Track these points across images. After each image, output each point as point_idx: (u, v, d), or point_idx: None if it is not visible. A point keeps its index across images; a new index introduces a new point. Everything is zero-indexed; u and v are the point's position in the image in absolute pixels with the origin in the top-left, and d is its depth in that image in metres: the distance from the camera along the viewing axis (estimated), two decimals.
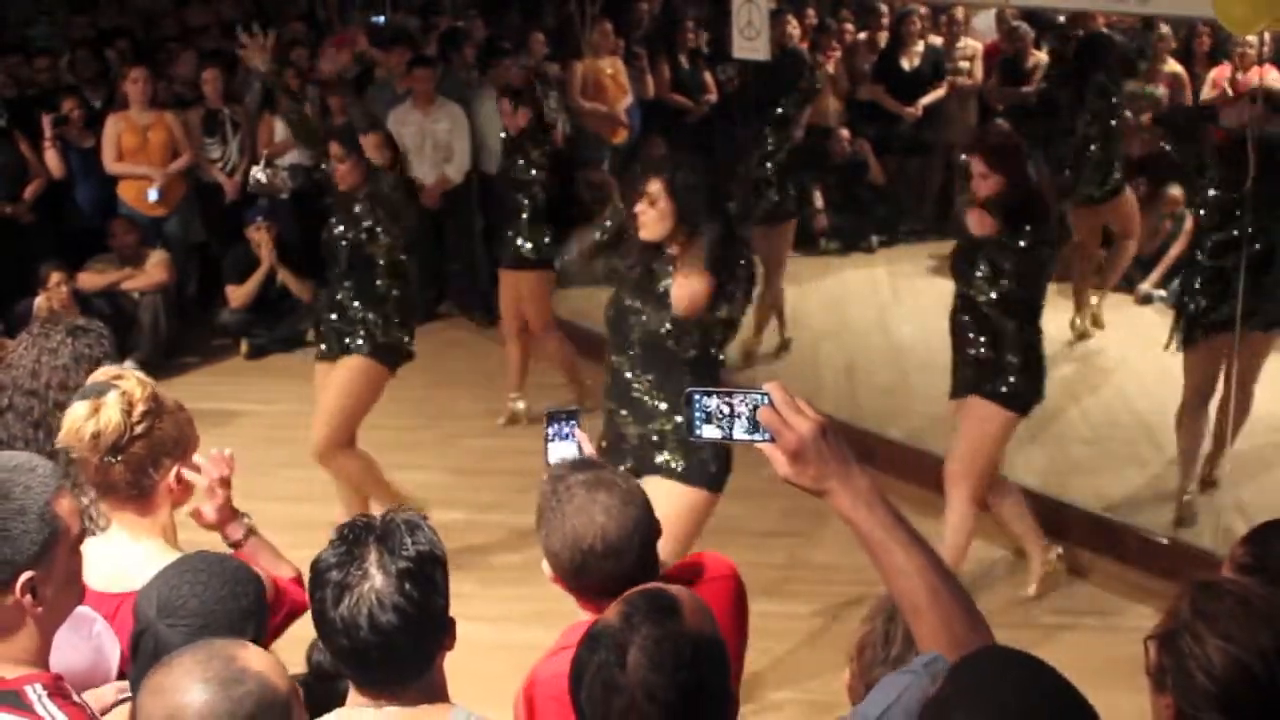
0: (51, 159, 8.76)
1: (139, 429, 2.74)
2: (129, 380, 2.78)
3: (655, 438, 4.42)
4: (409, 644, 2.24)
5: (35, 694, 2.22)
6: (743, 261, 4.44)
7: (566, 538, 2.60)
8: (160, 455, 2.78)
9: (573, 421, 3.17)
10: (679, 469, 4.41)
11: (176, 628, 2.35)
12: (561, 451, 3.11)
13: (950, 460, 5.58)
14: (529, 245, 7.43)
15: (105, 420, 2.71)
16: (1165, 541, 5.98)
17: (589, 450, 3.14)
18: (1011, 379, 5.40)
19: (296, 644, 3.11)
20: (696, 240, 4.33)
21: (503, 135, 7.74)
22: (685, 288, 4.29)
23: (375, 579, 2.22)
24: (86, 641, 2.62)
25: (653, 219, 4.34)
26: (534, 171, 7.37)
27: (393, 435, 6.70)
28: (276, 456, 6.97)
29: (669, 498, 4.26)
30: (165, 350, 8.71)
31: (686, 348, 4.37)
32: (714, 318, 4.36)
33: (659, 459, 4.42)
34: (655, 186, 4.34)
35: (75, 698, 2.29)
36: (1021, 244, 5.24)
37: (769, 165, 8.19)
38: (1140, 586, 5.78)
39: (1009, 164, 5.30)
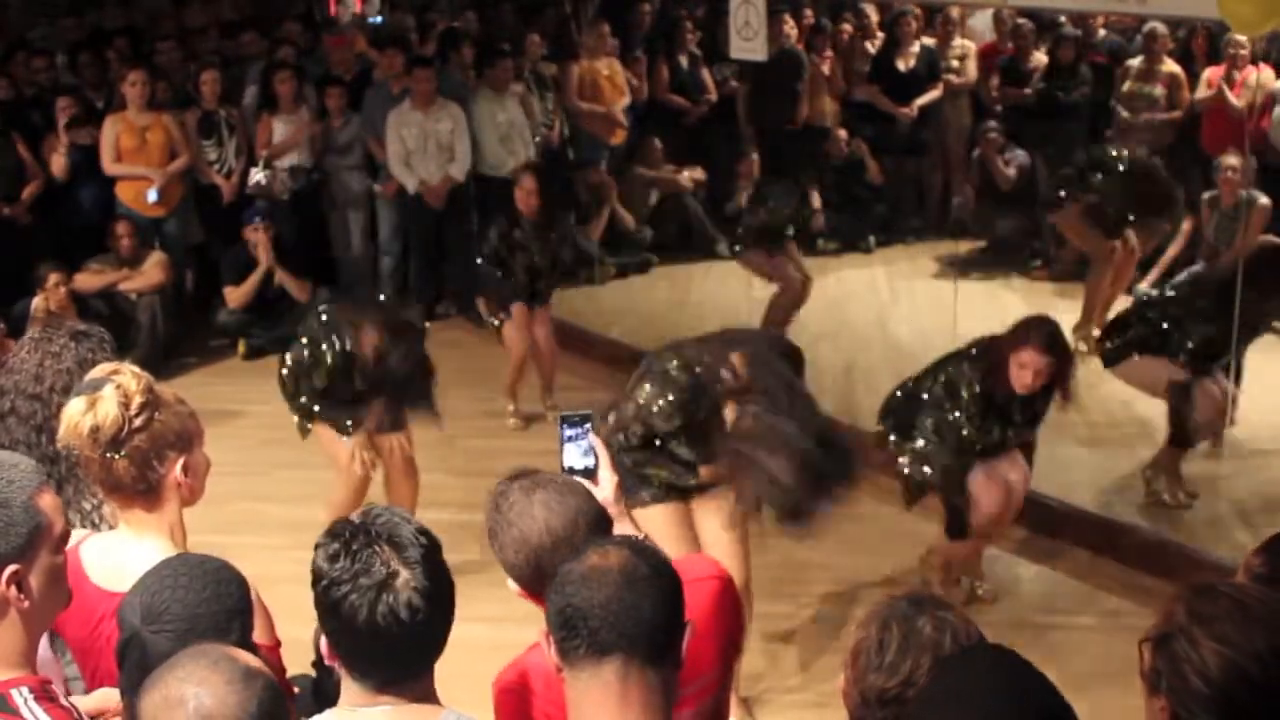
0: (59, 162, 8.76)
1: (138, 422, 2.71)
2: (124, 375, 2.76)
3: None
4: (438, 627, 2.28)
5: (21, 697, 2.21)
6: None
7: (516, 543, 2.65)
8: (163, 448, 2.75)
9: (586, 425, 3.16)
10: None
11: (162, 633, 2.33)
12: (575, 455, 3.11)
13: None
14: None
15: (103, 414, 2.69)
16: (1164, 541, 5.98)
17: (602, 454, 3.13)
18: None
19: (296, 644, 3.10)
20: None
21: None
22: None
23: (402, 573, 2.23)
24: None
25: None
26: None
27: None
28: (274, 457, 6.98)
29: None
30: (163, 351, 8.70)
31: None
32: None
33: None
34: None
35: (62, 701, 2.29)
36: None
37: None
38: (1139, 586, 5.78)
39: None
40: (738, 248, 8.67)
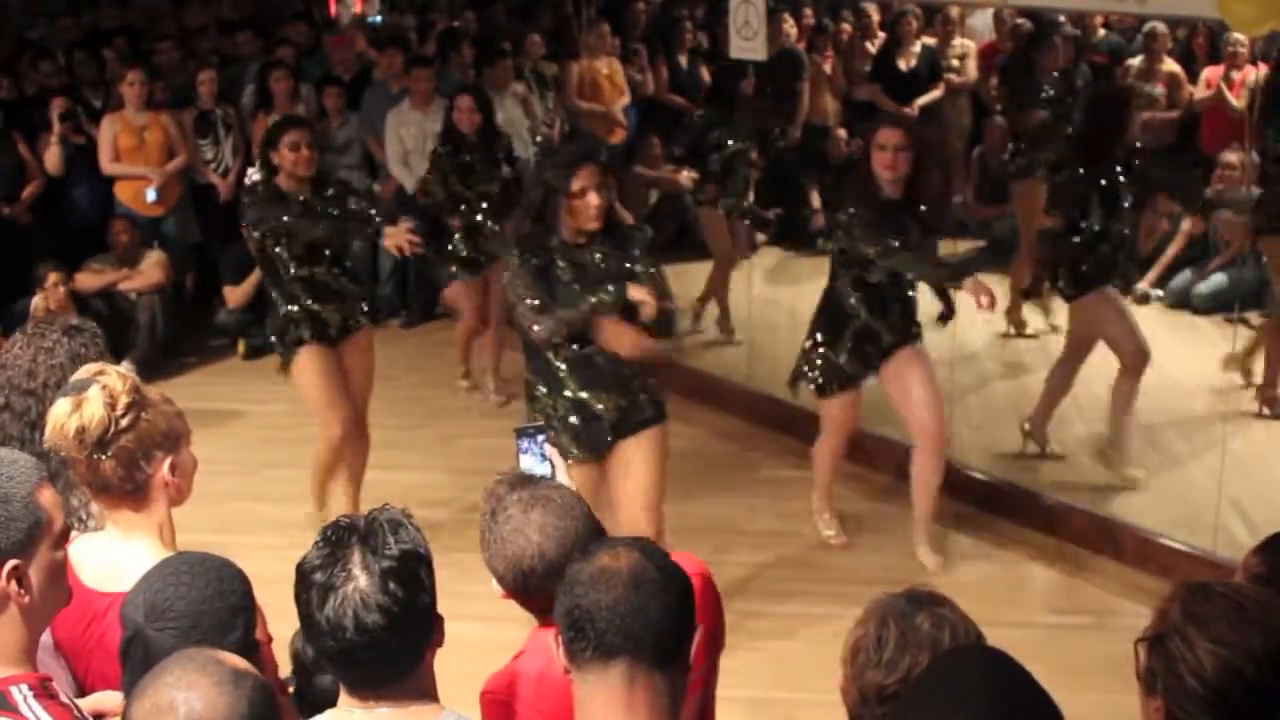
0: (52, 155, 8.76)
1: (124, 422, 2.70)
2: (110, 375, 2.75)
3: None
4: (395, 643, 2.23)
5: (21, 694, 2.21)
6: None
7: (507, 560, 2.65)
8: (150, 448, 2.75)
9: (540, 436, 3.23)
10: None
11: (166, 630, 2.33)
12: (531, 466, 3.16)
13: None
14: None
15: (89, 415, 2.68)
16: (1163, 541, 5.97)
17: (559, 463, 3.17)
18: None
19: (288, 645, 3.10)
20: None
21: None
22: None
23: (359, 579, 2.20)
24: None
25: (601, 206, 4.69)
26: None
27: (388, 435, 6.68)
28: (273, 457, 6.98)
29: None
30: (163, 351, 8.71)
31: None
32: None
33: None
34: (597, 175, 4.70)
35: (62, 698, 2.29)
36: None
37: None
38: (1138, 586, 5.78)
39: None
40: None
